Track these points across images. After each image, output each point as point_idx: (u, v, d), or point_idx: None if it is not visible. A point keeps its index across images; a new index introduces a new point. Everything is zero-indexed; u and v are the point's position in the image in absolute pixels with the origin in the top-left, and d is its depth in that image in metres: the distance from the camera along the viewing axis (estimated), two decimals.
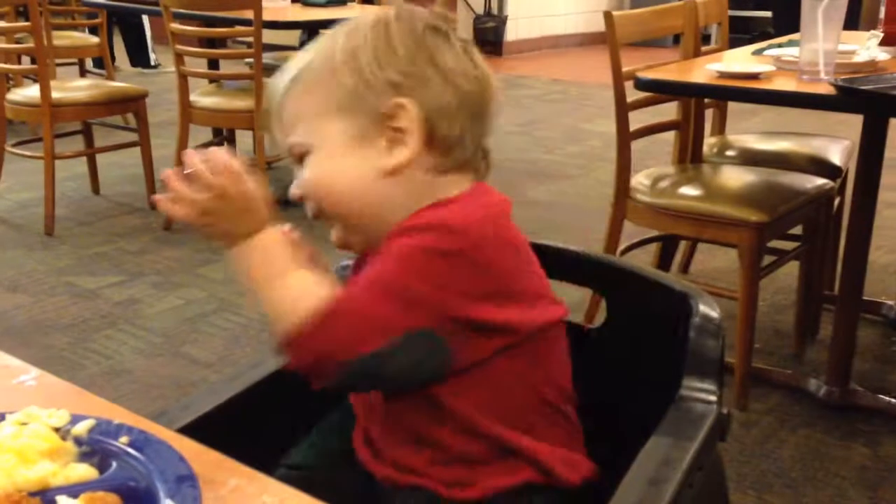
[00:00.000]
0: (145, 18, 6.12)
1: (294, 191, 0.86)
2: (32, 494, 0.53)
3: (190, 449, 0.61)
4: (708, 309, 0.87)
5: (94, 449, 0.59)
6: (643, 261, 2.56)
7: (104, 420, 0.61)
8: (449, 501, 0.83)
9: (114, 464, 0.58)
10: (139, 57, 6.31)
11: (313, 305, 0.76)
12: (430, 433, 0.83)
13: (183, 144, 3.22)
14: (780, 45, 2.37)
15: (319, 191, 0.84)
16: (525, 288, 0.84)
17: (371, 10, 0.88)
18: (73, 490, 0.54)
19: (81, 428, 0.60)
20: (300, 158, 0.84)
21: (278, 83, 0.86)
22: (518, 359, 0.82)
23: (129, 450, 0.59)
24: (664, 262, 2.55)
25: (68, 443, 0.59)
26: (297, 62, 0.86)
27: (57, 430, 0.60)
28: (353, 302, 0.77)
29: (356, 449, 0.91)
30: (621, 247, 2.34)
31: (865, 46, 2.10)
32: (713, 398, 0.83)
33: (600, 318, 1.02)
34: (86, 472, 0.57)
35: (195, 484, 0.55)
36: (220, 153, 0.78)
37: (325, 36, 0.87)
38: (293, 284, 0.78)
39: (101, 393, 2.19)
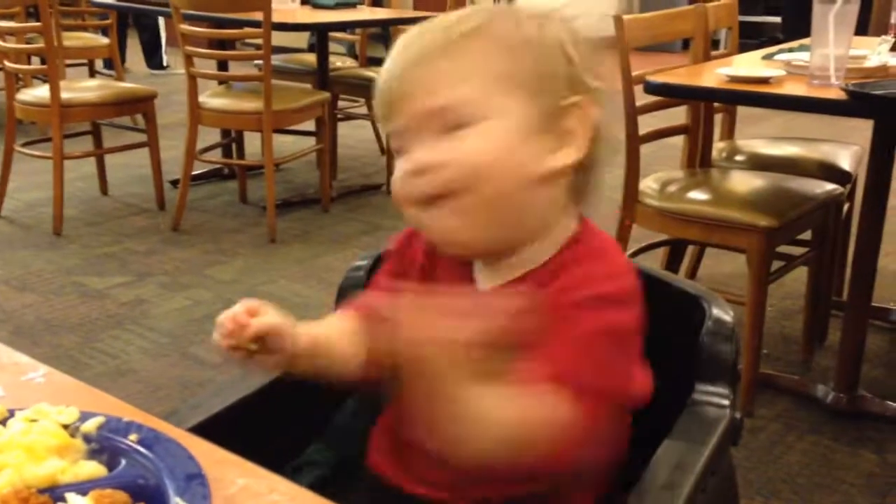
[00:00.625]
0: (161, 20, 6.15)
1: (426, 158, 0.73)
2: (41, 491, 0.53)
3: (199, 447, 0.61)
4: (721, 312, 0.87)
5: (103, 446, 0.59)
6: (651, 266, 2.56)
7: (113, 417, 0.61)
8: None
9: (123, 461, 0.57)
10: (152, 58, 6.34)
11: (522, 437, 0.67)
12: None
13: (192, 145, 3.23)
14: (790, 50, 2.36)
15: (475, 169, 0.72)
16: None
17: None
18: (82, 487, 0.54)
19: (90, 425, 0.60)
20: (448, 128, 0.73)
21: (429, 37, 0.76)
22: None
23: (139, 447, 0.58)
24: (672, 266, 2.54)
25: (77, 440, 0.59)
26: (472, 15, 0.77)
27: (66, 427, 0.60)
28: (578, 424, 0.68)
29: (375, 456, 0.88)
30: (629, 251, 2.34)
31: (876, 51, 2.10)
32: (726, 402, 0.82)
33: None
34: (95, 469, 0.57)
35: (204, 482, 0.54)
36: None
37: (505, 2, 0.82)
38: (475, 410, 0.66)
39: (107, 393, 2.19)
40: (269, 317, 0.77)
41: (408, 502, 0.83)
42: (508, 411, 0.66)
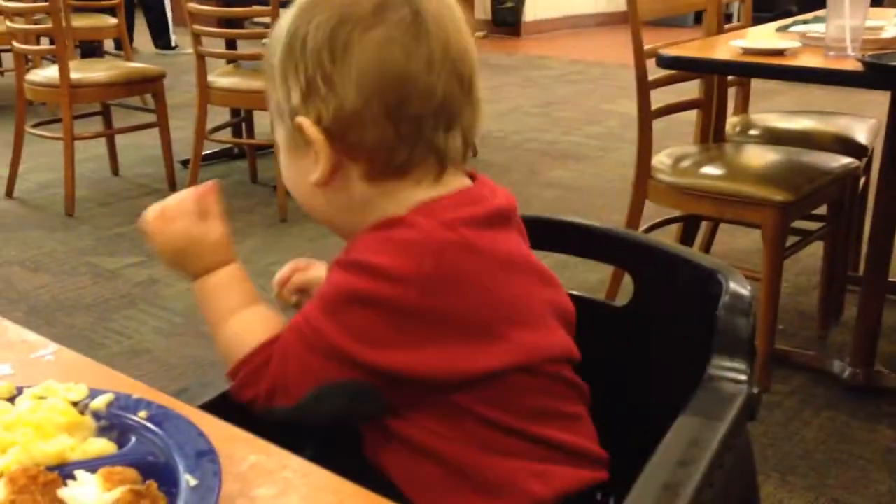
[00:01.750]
0: (167, 1, 6.13)
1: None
2: (50, 469, 0.53)
3: (209, 424, 0.60)
4: (738, 287, 0.85)
5: (112, 423, 0.58)
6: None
7: (123, 394, 0.60)
8: None
9: (132, 438, 0.57)
10: (161, 37, 6.32)
11: (248, 352, 0.78)
12: (381, 458, 0.80)
13: (201, 125, 3.22)
14: (805, 22, 2.32)
15: (289, 188, 0.85)
16: (475, 328, 0.75)
17: None
18: (92, 465, 0.53)
19: (100, 402, 0.59)
20: None
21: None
22: (465, 396, 0.77)
23: (148, 424, 0.58)
24: (685, 242, 2.51)
25: (87, 417, 0.58)
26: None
27: (75, 404, 0.59)
28: (281, 353, 0.76)
29: None
30: (642, 227, 2.32)
31: (893, 22, 2.06)
32: (743, 377, 0.81)
33: (621, 297, 1.00)
34: (104, 446, 0.56)
35: (215, 459, 0.54)
36: (175, 199, 0.84)
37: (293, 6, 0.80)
38: (235, 328, 0.80)
39: (121, 373, 2.20)
40: (313, 271, 0.93)
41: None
42: (235, 335, 0.80)
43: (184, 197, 0.84)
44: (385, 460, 0.80)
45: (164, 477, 0.53)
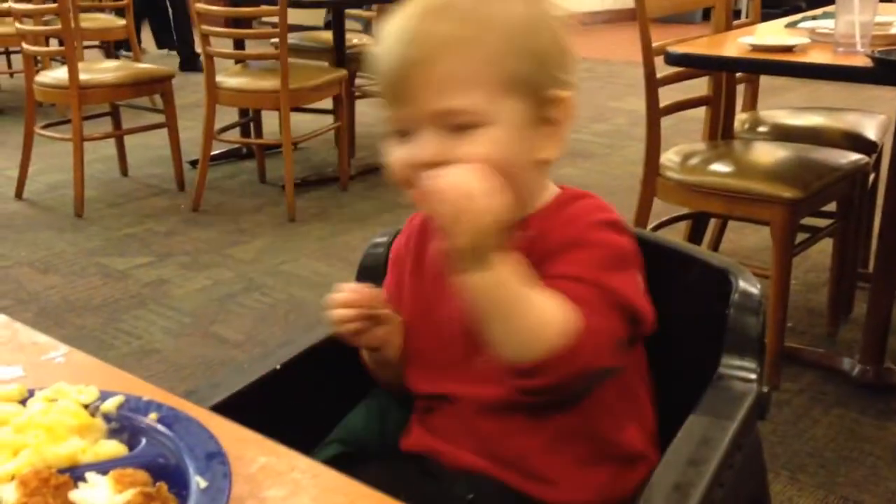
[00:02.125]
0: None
1: (436, 155, 0.77)
2: (61, 471, 0.53)
3: (219, 426, 0.60)
4: (748, 285, 0.85)
5: (123, 425, 0.58)
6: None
7: (133, 396, 0.60)
8: (519, 495, 0.82)
9: (143, 440, 0.57)
10: (165, 39, 6.32)
11: (560, 330, 0.74)
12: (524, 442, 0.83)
13: (210, 125, 3.23)
14: (814, 18, 2.31)
15: (483, 158, 0.77)
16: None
17: None
18: (103, 467, 0.53)
19: (110, 404, 0.60)
20: (454, 127, 0.77)
21: (436, 29, 0.78)
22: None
23: (159, 426, 0.58)
24: (694, 240, 2.51)
25: (97, 419, 0.59)
26: (459, 10, 0.79)
27: (86, 406, 0.59)
28: (593, 320, 0.75)
29: (408, 441, 0.90)
30: (650, 225, 2.31)
31: None
32: (753, 376, 0.81)
33: None
34: (115, 448, 0.56)
35: (225, 461, 0.54)
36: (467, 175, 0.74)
37: None
38: (534, 311, 0.74)
39: (131, 373, 2.19)
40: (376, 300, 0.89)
41: (444, 476, 0.83)
42: (557, 311, 0.74)
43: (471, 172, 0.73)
44: (530, 443, 0.82)
45: (175, 479, 0.53)
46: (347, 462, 0.88)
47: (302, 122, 3.74)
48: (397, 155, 0.81)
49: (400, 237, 0.97)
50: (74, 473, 0.53)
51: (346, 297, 0.86)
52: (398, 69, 0.78)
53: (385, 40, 0.80)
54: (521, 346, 0.74)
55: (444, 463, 0.84)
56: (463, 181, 0.71)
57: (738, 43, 1.97)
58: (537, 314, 0.74)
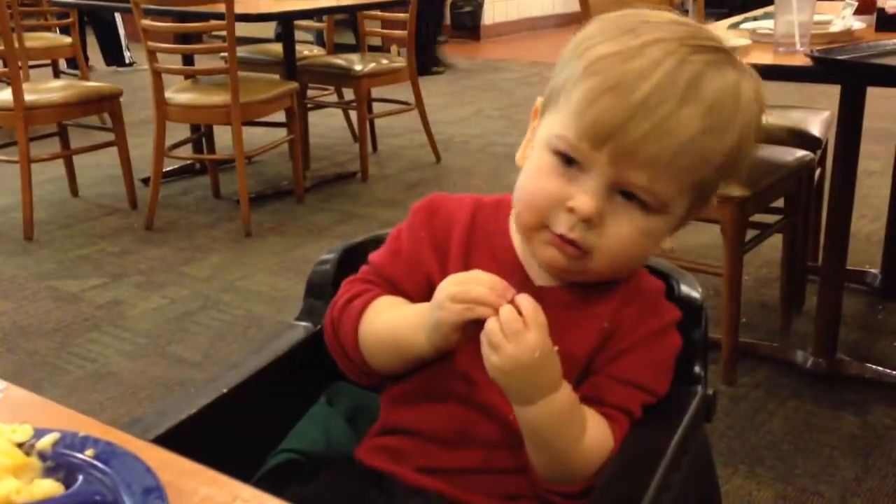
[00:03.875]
0: (118, 16, 6.04)
1: (593, 211, 0.74)
2: None
3: (159, 459, 0.60)
4: (689, 289, 0.86)
5: (59, 463, 0.57)
6: None
7: (69, 433, 0.59)
8: None
9: (80, 478, 0.56)
10: (114, 55, 6.24)
11: (600, 462, 0.76)
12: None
13: (160, 142, 3.19)
14: (755, 18, 2.35)
15: (625, 249, 0.76)
16: None
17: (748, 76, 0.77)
18: None
19: (46, 442, 0.59)
20: (632, 196, 0.74)
21: (689, 120, 0.72)
22: None
23: (96, 462, 0.57)
24: None
25: (33, 458, 0.57)
26: (717, 104, 0.73)
27: (20, 445, 0.58)
28: (625, 432, 0.78)
29: (365, 453, 0.89)
30: None
31: (840, 16, 2.09)
32: (697, 380, 0.82)
33: None
34: (51, 487, 0.55)
35: (162, 495, 0.53)
36: (529, 307, 0.72)
37: (743, 79, 0.76)
38: (586, 446, 0.76)
39: (87, 397, 2.16)
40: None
41: (397, 493, 0.83)
42: (599, 447, 0.76)
43: (534, 307, 0.72)
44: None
45: None
46: (298, 471, 0.88)
47: (255, 136, 3.72)
48: (553, 187, 0.76)
49: (436, 207, 0.90)
50: None
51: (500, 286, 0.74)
52: (631, 130, 0.71)
53: (631, 80, 0.72)
54: (560, 477, 0.76)
55: (397, 481, 0.84)
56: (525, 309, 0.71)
57: None
58: (580, 452, 0.75)
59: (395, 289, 0.87)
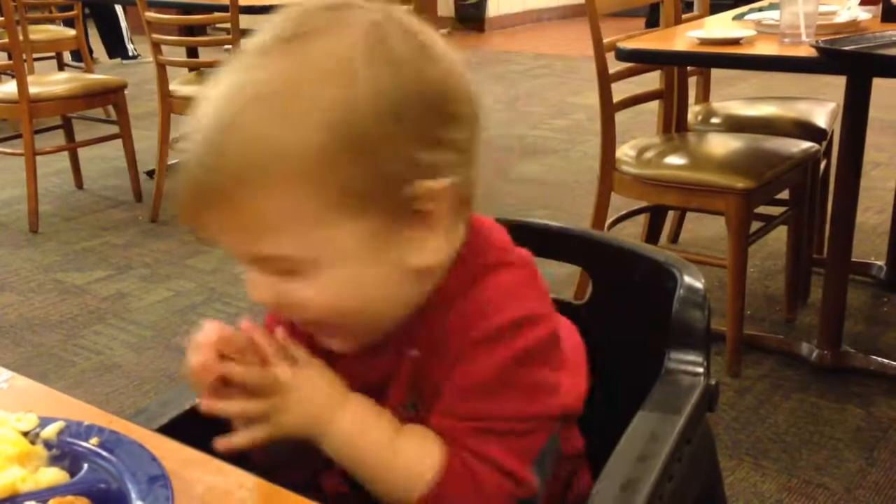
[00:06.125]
0: (119, 8, 6.04)
1: (274, 300, 0.64)
2: (1, 501, 0.52)
3: (164, 447, 0.60)
4: (692, 279, 0.86)
5: (63, 452, 0.58)
6: (632, 232, 2.56)
7: (74, 422, 0.60)
8: None
9: (84, 466, 0.56)
10: (116, 48, 6.24)
11: (425, 484, 0.63)
12: None
13: (165, 135, 3.19)
14: (760, 9, 2.35)
15: (333, 310, 0.63)
16: None
17: (336, 22, 0.61)
18: (42, 495, 0.53)
19: (51, 431, 0.59)
20: (278, 270, 0.62)
21: (237, 148, 0.58)
22: None
23: (100, 451, 0.57)
24: (653, 232, 2.54)
25: (38, 446, 0.58)
26: (234, 123, 0.58)
27: (25, 433, 0.58)
28: (470, 469, 0.64)
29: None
30: (610, 219, 2.33)
31: (846, 7, 2.09)
32: (700, 370, 0.82)
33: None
34: (56, 475, 0.56)
35: (167, 483, 0.53)
36: (261, 334, 0.64)
37: (278, 64, 0.59)
38: (396, 464, 0.64)
39: (92, 389, 2.16)
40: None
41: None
42: (421, 462, 0.64)
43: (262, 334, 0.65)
44: None
45: None
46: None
47: None
48: (249, 286, 0.65)
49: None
50: (14, 503, 0.52)
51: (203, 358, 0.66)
52: (192, 197, 0.60)
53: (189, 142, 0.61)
54: (389, 496, 0.65)
55: None
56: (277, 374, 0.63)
57: (686, 37, 1.99)
58: (393, 469, 0.64)
59: None
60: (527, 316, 0.66)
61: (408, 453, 0.65)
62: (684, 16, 2.42)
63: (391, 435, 0.65)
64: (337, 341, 0.68)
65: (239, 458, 0.62)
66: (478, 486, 0.64)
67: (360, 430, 0.65)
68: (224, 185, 0.58)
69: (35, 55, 4.30)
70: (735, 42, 1.91)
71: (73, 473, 0.56)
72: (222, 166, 0.58)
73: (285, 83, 0.58)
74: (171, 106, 3.17)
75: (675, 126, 2.40)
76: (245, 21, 3.07)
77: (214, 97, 0.60)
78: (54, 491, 0.54)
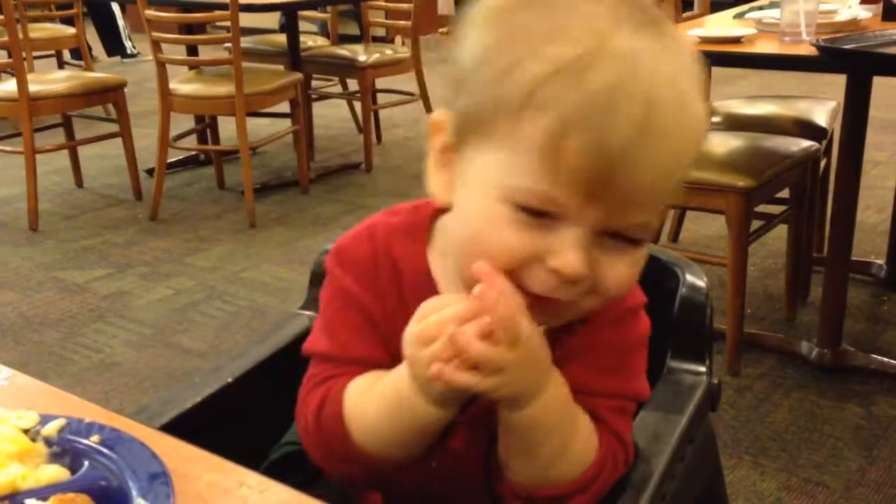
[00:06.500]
0: (116, 7, 6.03)
1: (583, 270, 0.59)
2: (2, 499, 0.52)
3: (165, 445, 0.60)
4: (695, 279, 0.86)
5: (64, 449, 0.58)
6: None
7: (75, 419, 0.60)
8: None
9: (85, 463, 0.56)
10: (114, 46, 6.23)
11: (590, 461, 0.67)
12: None
13: (165, 133, 3.19)
14: (761, 8, 2.35)
15: (621, 289, 0.63)
16: None
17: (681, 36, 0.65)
18: (43, 493, 0.53)
19: (52, 428, 0.59)
20: (615, 235, 0.61)
21: (671, 143, 0.59)
22: None
23: (101, 448, 0.57)
24: None
25: (38, 444, 0.58)
26: (679, 112, 0.59)
27: (26, 431, 0.58)
28: (612, 447, 0.68)
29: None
30: None
31: (847, 5, 2.09)
32: (702, 369, 0.82)
33: None
34: (57, 472, 0.55)
35: (167, 481, 0.53)
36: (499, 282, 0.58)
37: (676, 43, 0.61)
38: (578, 437, 0.66)
39: (92, 387, 2.16)
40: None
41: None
42: (592, 446, 0.67)
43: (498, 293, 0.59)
44: None
45: (117, 501, 0.52)
46: (301, 464, 0.87)
47: (259, 127, 3.72)
48: (519, 242, 0.59)
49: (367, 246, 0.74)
50: (15, 500, 0.52)
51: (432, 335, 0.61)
52: (629, 168, 0.57)
53: (601, 101, 0.56)
54: (544, 482, 0.66)
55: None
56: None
57: (686, 35, 1.99)
58: (574, 449, 0.66)
59: (359, 366, 0.71)
60: (643, 303, 0.72)
61: (585, 427, 0.67)
62: (685, 14, 2.42)
63: (577, 408, 0.67)
64: (543, 319, 0.64)
65: (239, 460, 0.62)
66: (616, 465, 0.69)
67: (562, 398, 0.65)
68: (670, 164, 0.59)
69: (35, 53, 4.30)
70: (735, 40, 1.91)
71: (73, 471, 0.56)
72: (673, 148, 0.59)
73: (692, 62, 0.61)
74: (171, 104, 3.16)
75: None
76: (244, 19, 3.07)
77: (663, 73, 0.59)
78: (55, 488, 0.53)
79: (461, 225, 0.64)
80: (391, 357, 0.69)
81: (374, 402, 0.68)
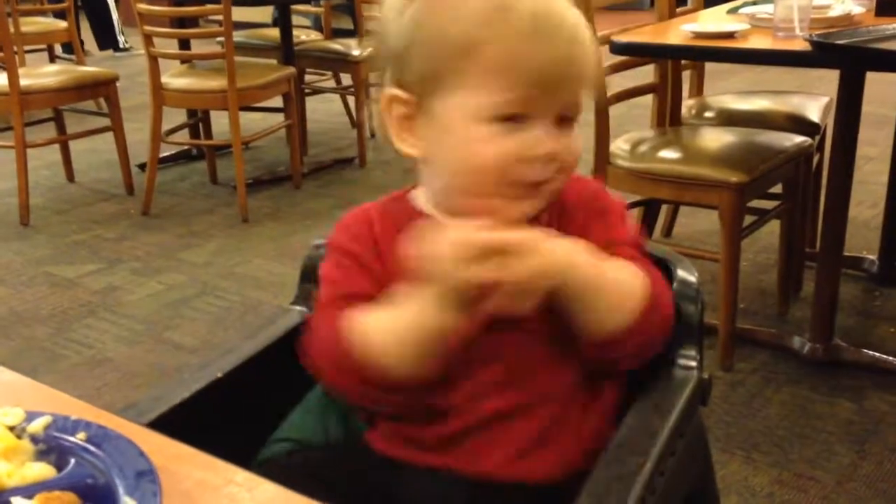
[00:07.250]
0: (111, 0, 6.00)
1: (558, 147, 0.77)
2: None
3: (153, 442, 0.59)
4: (686, 273, 0.86)
5: (50, 446, 0.57)
6: None
7: (61, 416, 0.59)
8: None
9: (72, 461, 0.56)
10: (107, 40, 6.20)
11: (642, 293, 0.78)
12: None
13: (157, 127, 3.18)
14: (754, 3, 2.34)
15: (576, 161, 0.80)
16: None
17: None
18: (29, 490, 0.52)
19: (38, 425, 0.58)
20: (562, 117, 0.77)
21: (580, 24, 0.78)
22: None
23: (88, 446, 0.57)
24: (647, 226, 2.53)
25: (24, 441, 0.57)
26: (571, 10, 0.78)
27: (12, 428, 0.58)
28: (655, 276, 0.80)
29: (378, 441, 0.86)
30: None
31: (840, 0, 2.08)
32: (693, 364, 0.82)
33: None
34: (42, 470, 0.55)
35: (155, 479, 0.53)
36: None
37: None
38: (615, 285, 0.77)
39: (83, 383, 2.15)
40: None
41: (416, 475, 0.82)
42: (636, 277, 0.78)
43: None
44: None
45: (104, 499, 0.52)
46: (293, 461, 0.87)
47: (252, 121, 3.70)
48: (504, 148, 0.75)
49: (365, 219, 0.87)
50: (0, 498, 0.52)
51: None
52: (557, 58, 0.75)
53: (524, 23, 0.74)
54: (612, 318, 0.76)
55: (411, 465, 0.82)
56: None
57: (680, 31, 1.99)
58: (619, 285, 0.77)
59: (361, 299, 0.80)
60: (627, 205, 0.89)
61: (624, 267, 0.78)
62: (678, 9, 2.42)
63: (602, 269, 0.77)
64: (536, 202, 0.78)
65: (230, 456, 0.61)
66: (665, 285, 0.81)
67: (595, 262, 0.76)
68: (590, 45, 0.78)
69: (26, 47, 4.27)
70: (729, 36, 1.91)
71: (59, 468, 0.56)
72: (583, 28, 0.78)
73: None
74: (163, 98, 3.15)
75: (668, 120, 2.40)
76: (237, 13, 3.05)
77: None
78: (41, 486, 0.53)
79: (449, 159, 0.79)
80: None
81: (391, 321, 0.75)
